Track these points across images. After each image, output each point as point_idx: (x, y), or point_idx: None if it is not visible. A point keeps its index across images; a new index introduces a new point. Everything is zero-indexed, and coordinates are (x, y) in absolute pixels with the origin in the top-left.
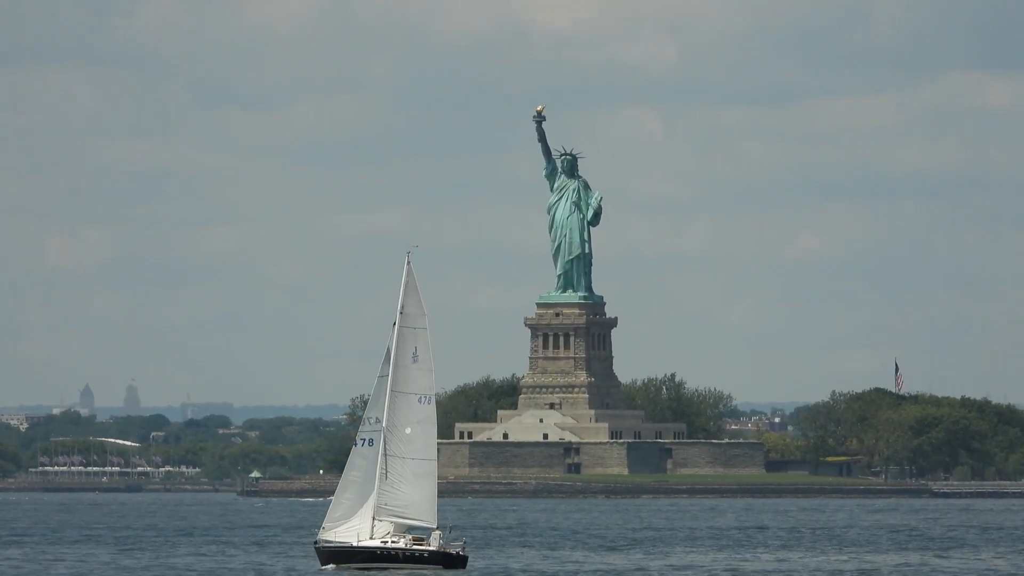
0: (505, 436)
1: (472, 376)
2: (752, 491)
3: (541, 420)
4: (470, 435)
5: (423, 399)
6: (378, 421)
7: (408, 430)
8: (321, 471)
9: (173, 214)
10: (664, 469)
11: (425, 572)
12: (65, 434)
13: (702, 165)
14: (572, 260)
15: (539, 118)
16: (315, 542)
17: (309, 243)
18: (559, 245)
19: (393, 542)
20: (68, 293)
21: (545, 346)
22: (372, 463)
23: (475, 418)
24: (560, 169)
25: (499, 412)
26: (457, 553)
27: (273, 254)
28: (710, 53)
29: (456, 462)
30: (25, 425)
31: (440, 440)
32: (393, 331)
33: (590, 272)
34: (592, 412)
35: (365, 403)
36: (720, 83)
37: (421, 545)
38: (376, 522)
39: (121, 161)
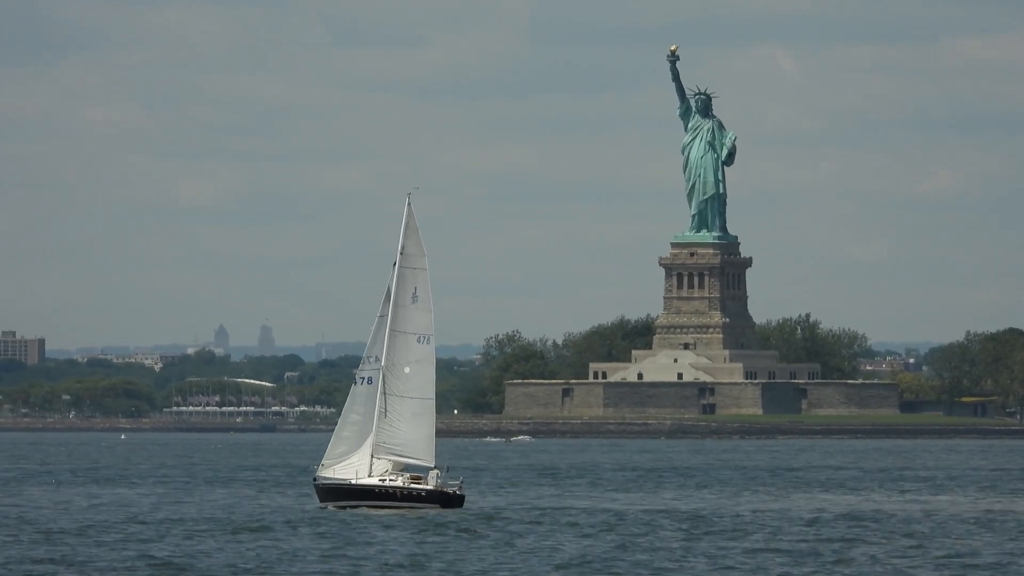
0: (640, 376)
1: (606, 316)
2: (886, 432)
3: (676, 360)
4: (604, 375)
5: (422, 339)
6: (377, 360)
7: (407, 369)
8: (455, 411)
9: (304, 150)
10: (799, 409)
11: (422, 510)
12: (199, 374)
13: (835, 102)
14: (706, 200)
15: (673, 58)
16: (314, 479)
17: (439, 179)
18: (693, 185)
19: (391, 480)
20: (201, 231)
21: (680, 286)
22: (371, 402)
23: (609, 358)
24: (694, 109)
25: (633, 352)
26: (454, 492)
27: (404, 190)
28: None
29: (590, 402)
30: (159, 365)
31: (574, 380)
32: (393, 271)
33: (724, 212)
34: (727, 352)
35: (500, 342)
36: (854, 20)
37: (419, 484)
38: (375, 460)
39: (251, 97)
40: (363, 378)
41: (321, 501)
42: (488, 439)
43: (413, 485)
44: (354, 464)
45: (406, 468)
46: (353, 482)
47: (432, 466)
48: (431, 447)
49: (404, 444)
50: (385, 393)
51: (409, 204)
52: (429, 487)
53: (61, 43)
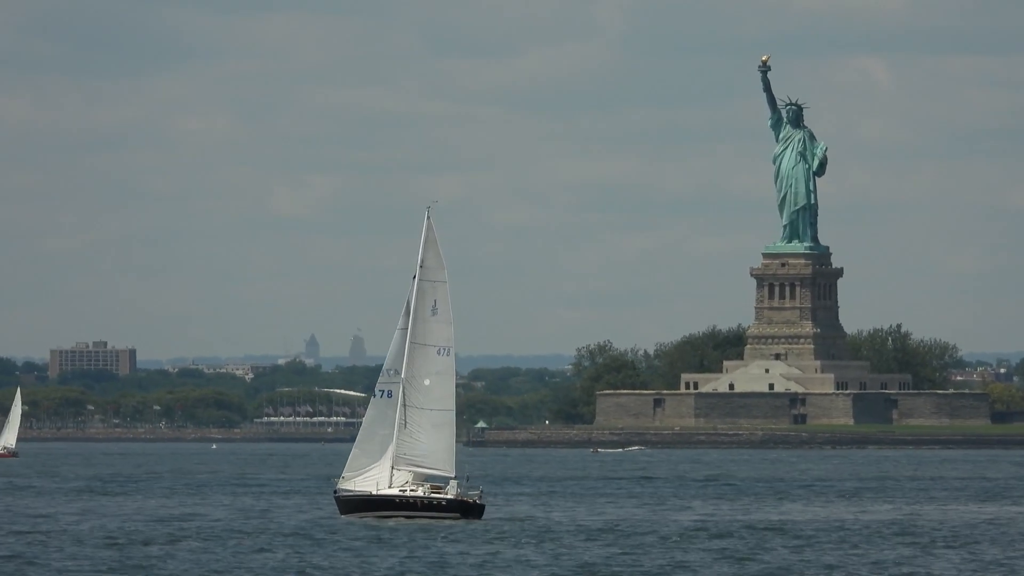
0: (731, 387)
1: (697, 326)
2: (977, 442)
3: (767, 371)
4: (696, 385)
5: (442, 351)
6: (397, 373)
7: (427, 381)
8: (547, 421)
9: (398, 160)
10: (890, 420)
11: (443, 520)
12: (290, 384)
13: (928, 113)
14: (797, 210)
15: (764, 68)
16: (335, 491)
17: (533, 190)
18: (784, 195)
19: (411, 491)
20: (293, 241)
21: (771, 296)
22: (391, 414)
23: (701, 368)
24: (785, 119)
25: (725, 363)
26: (474, 502)
27: (497, 201)
28: (938, 0)
29: (682, 412)
30: (250, 375)
31: (666, 391)
32: (413, 284)
33: (815, 222)
34: (818, 363)
35: (591, 353)
36: (947, 31)
37: (439, 494)
38: (395, 471)
39: (346, 107)
40: (382, 391)
41: (342, 513)
42: (600, 451)
43: (433, 495)
44: (374, 476)
45: (426, 478)
46: (374, 493)
47: (453, 476)
48: (451, 458)
49: (424, 455)
50: (405, 405)
51: (428, 218)
52: (449, 496)
53: (157, 54)
